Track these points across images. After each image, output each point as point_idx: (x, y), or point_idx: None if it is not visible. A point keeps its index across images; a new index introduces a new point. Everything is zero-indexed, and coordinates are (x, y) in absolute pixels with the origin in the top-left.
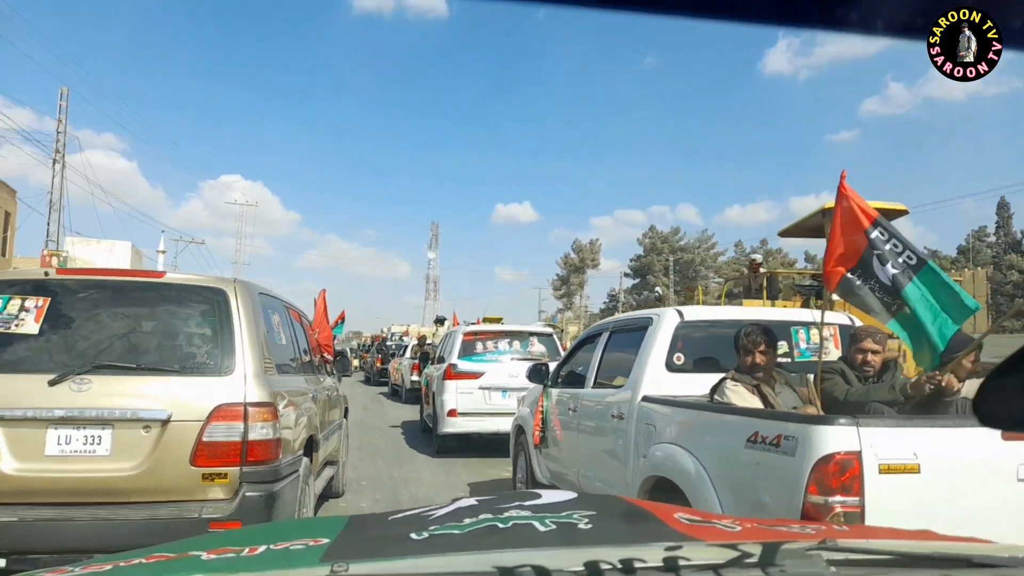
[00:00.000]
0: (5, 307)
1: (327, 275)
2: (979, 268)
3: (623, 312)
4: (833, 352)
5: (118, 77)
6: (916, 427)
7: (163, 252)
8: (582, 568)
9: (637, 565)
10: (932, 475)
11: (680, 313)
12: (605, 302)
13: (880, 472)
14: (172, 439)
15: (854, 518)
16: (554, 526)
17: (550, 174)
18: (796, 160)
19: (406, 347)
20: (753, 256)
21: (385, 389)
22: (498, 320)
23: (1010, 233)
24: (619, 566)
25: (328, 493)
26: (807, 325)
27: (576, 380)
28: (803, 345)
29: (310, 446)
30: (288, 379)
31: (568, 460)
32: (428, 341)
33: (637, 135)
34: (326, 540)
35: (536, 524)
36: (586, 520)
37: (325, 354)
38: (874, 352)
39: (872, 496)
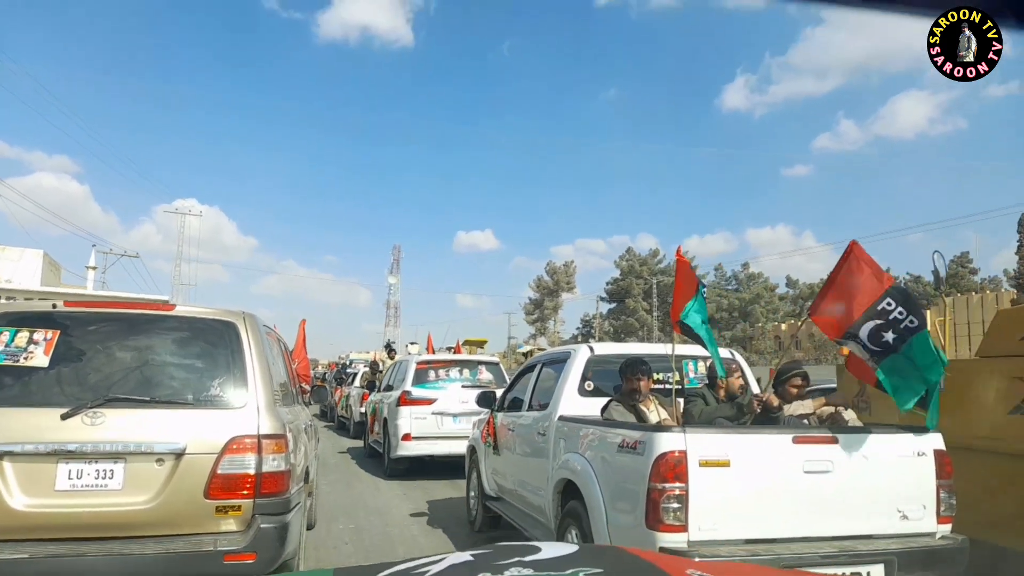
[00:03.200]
0: (13, 340)
1: (284, 302)
2: (1004, 291)
3: (598, 338)
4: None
5: (70, 95)
6: (728, 434)
7: (93, 268)
8: None
9: None
10: (739, 468)
11: (591, 349)
12: (578, 327)
13: (700, 465)
14: (186, 472)
15: (682, 499)
16: None
17: (511, 202)
18: (753, 193)
19: (355, 375)
20: None
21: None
22: (483, 343)
23: None
24: None
25: None
26: (696, 359)
27: (517, 404)
28: (692, 375)
29: (306, 476)
30: (289, 411)
31: (509, 472)
32: (379, 369)
33: (598, 166)
34: None
35: None
36: None
37: (303, 384)
38: (723, 380)
39: (695, 482)
